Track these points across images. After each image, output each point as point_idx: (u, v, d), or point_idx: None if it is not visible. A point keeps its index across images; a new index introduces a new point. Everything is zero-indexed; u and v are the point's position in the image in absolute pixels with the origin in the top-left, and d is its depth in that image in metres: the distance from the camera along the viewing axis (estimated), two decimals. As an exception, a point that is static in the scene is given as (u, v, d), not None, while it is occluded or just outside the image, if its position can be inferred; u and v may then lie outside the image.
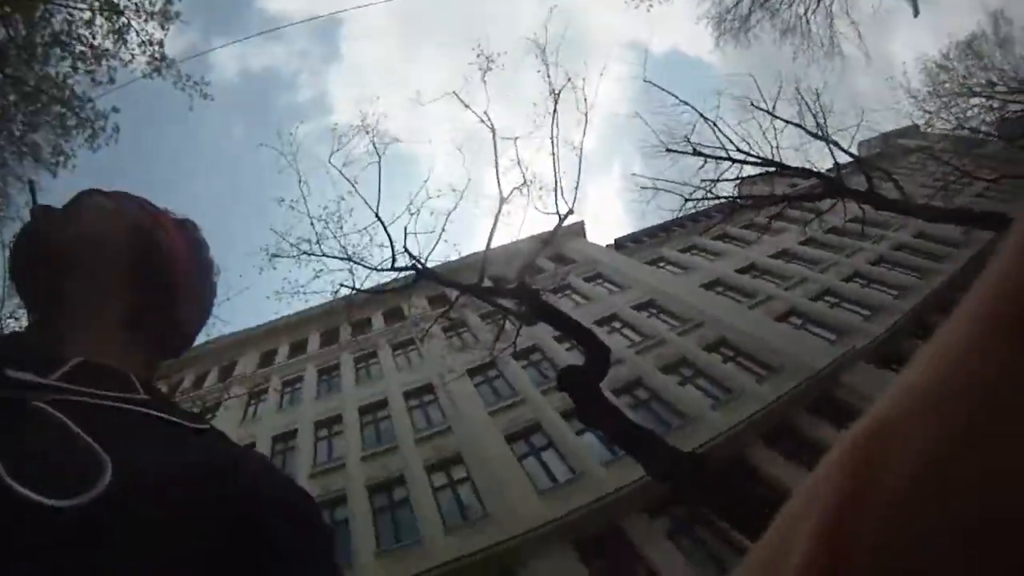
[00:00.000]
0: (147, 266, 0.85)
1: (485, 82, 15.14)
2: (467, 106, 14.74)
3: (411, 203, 13.97)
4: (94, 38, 11.67)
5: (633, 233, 33.74)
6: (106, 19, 11.67)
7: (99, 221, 0.86)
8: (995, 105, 20.82)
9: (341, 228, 14.31)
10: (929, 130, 23.79)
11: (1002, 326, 0.22)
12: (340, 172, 14.22)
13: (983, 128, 20.44)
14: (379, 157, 14.30)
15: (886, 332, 19.22)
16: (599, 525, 14.57)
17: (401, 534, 16.07)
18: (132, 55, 11.92)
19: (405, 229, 14.50)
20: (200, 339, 1.02)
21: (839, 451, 0.26)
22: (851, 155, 16.99)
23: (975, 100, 21.23)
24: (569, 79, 15.44)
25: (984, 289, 0.23)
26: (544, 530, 14.40)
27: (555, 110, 14.16)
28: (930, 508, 0.21)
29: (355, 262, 13.63)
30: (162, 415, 0.68)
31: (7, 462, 0.51)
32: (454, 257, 18.04)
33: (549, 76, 14.67)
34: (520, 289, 11.97)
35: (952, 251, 23.80)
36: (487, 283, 13.19)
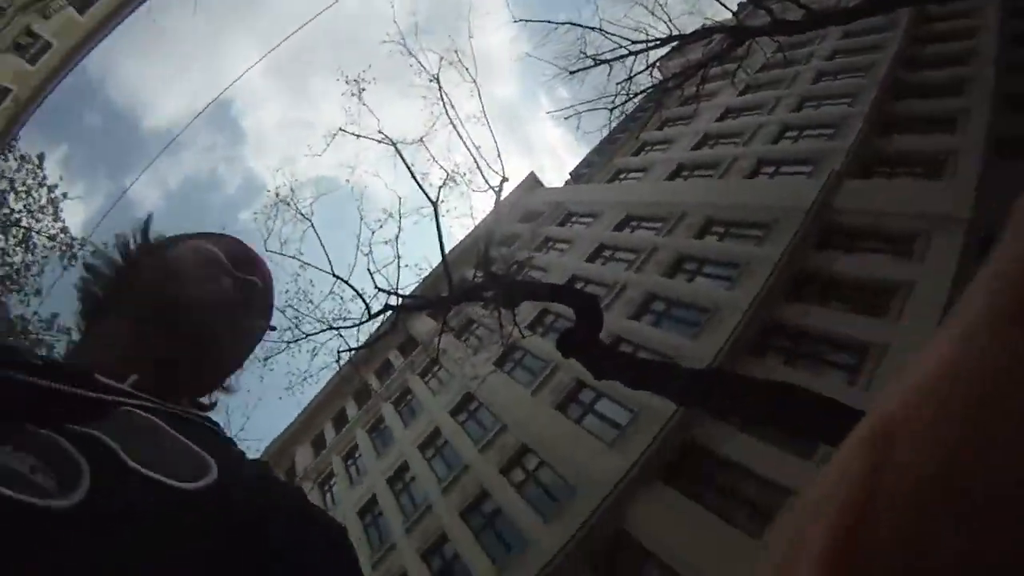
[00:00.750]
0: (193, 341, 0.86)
1: (364, 104, 15.07)
2: (358, 135, 14.72)
3: (359, 245, 13.87)
4: (9, 256, 11.77)
5: (584, 159, 33.55)
6: (8, 235, 11.73)
7: (208, 299, 0.87)
8: None
9: (311, 303, 14.18)
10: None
11: (1005, 315, 0.22)
12: (280, 254, 14.04)
13: None
14: (310, 222, 14.21)
15: (856, 142, 19.01)
16: (676, 447, 14.65)
17: (508, 542, 16.23)
18: (44, 256, 12.02)
19: (369, 271, 14.33)
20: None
21: (849, 446, 0.26)
22: (738, -7, 16.61)
23: None
24: (442, 58, 15.26)
25: (985, 279, 0.24)
26: (632, 474, 14.48)
27: (441, 94, 14.13)
28: (943, 500, 0.21)
29: (337, 329, 13.53)
30: (214, 428, 0.76)
31: (123, 447, 0.56)
32: (427, 270, 17.96)
33: (423, 65, 14.64)
34: (486, 281, 11.85)
35: (883, 36, 23.44)
36: (460, 285, 13.07)
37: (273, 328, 1.03)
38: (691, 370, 8.59)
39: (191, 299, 0.85)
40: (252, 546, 0.58)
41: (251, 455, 0.78)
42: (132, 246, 0.95)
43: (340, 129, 15.03)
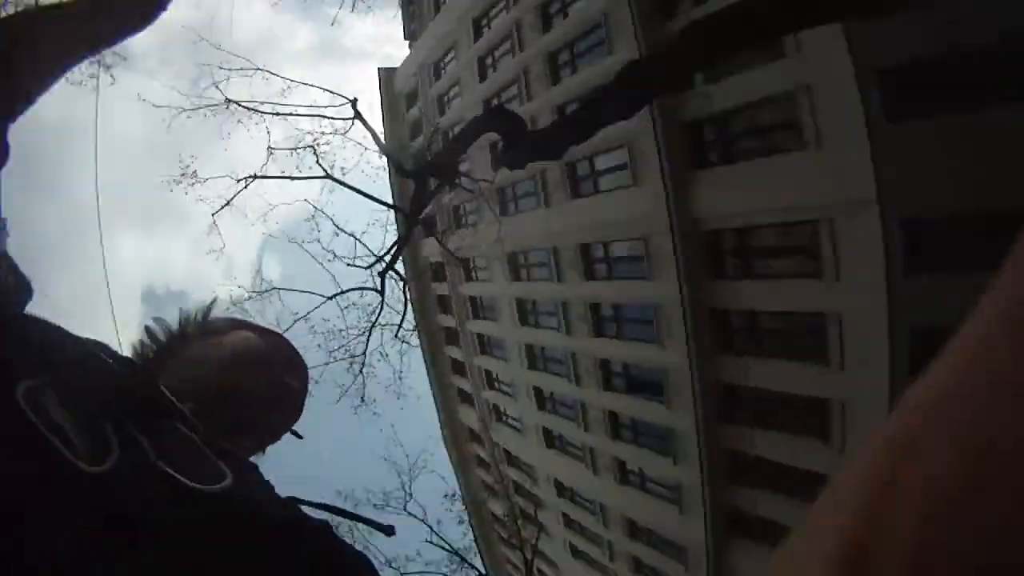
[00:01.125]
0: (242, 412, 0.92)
1: (204, 181, 16.39)
2: (228, 202, 15.61)
3: (314, 259, 14.83)
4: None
5: (405, 15, 32.09)
6: None
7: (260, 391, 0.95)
8: None
9: (342, 331, 16.35)
10: None
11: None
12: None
13: None
14: (276, 289, 15.78)
15: None
16: (681, 135, 14.69)
17: (644, 316, 16.86)
18: None
19: (348, 265, 15.16)
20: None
21: (870, 451, 0.26)
22: None
23: None
24: (214, 81, 16.06)
25: (1004, 287, 0.23)
26: (672, 187, 14.63)
27: (241, 106, 15.05)
28: (962, 505, 0.21)
29: (375, 323, 14.89)
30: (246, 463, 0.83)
31: (155, 450, 0.64)
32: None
33: (211, 107, 15.31)
34: (417, 179, 12.15)
35: None
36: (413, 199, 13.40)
37: (300, 436, 1.06)
38: (615, 78, 7.56)
39: (227, 387, 0.91)
40: (256, 551, 0.63)
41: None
42: (191, 322, 1.02)
43: (212, 216, 15.99)
